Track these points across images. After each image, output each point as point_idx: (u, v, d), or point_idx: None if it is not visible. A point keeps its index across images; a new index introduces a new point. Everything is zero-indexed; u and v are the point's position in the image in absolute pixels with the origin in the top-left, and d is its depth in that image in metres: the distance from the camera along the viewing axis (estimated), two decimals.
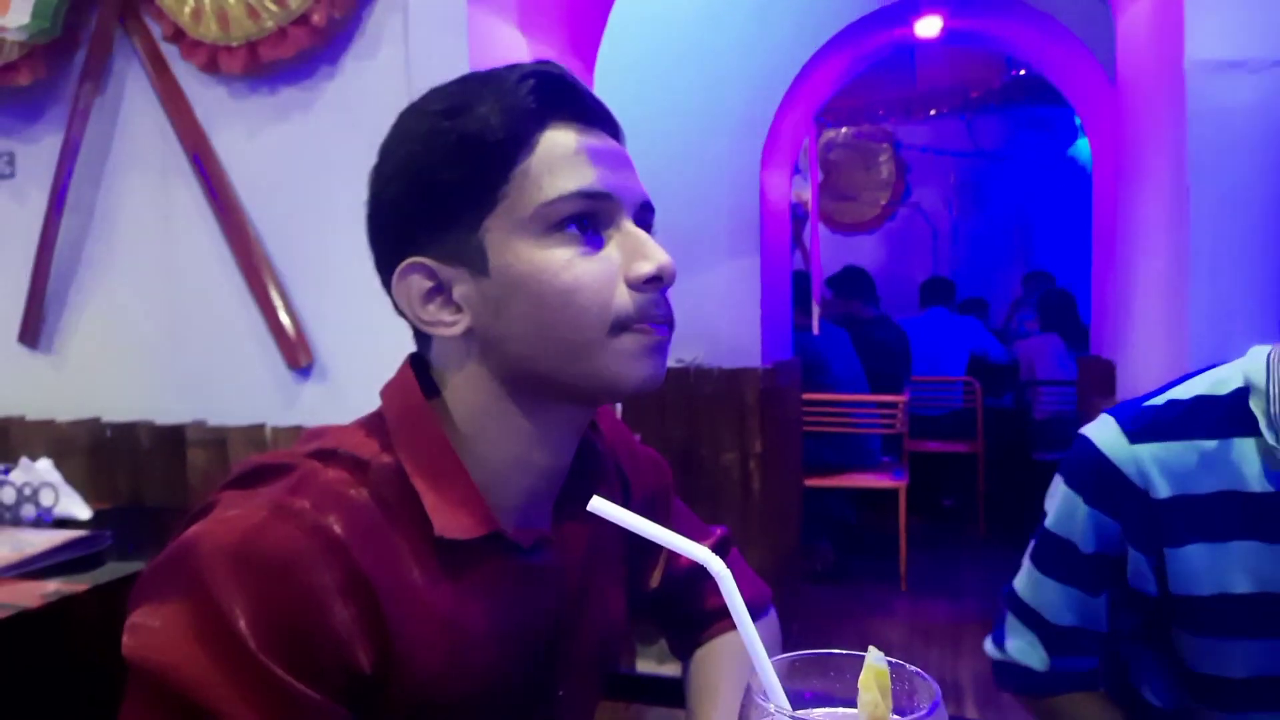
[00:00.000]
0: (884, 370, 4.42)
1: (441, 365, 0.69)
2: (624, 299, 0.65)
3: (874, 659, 0.42)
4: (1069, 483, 0.93)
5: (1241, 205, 1.44)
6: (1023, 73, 5.68)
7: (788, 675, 0.48)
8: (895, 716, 0.44)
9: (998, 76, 5.93)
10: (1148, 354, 1.76)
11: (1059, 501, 0.95)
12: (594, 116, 0.68)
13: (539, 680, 0.71)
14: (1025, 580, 1.00)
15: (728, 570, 0.50)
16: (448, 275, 0.66)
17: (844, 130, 6.83)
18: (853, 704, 0.44)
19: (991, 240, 7.25)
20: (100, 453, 2.01)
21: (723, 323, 3.22)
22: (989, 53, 5.27)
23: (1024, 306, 6.11)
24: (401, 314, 0.69)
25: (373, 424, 0.69)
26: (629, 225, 0.67)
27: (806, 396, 3.91)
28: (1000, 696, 2.96)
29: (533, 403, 0.67)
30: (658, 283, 0.66)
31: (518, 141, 0.64)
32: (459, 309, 0.66)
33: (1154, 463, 0.85)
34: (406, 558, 0.63)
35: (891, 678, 0.43)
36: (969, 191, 7.30)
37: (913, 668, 0.43)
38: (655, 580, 0.89)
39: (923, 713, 0.44)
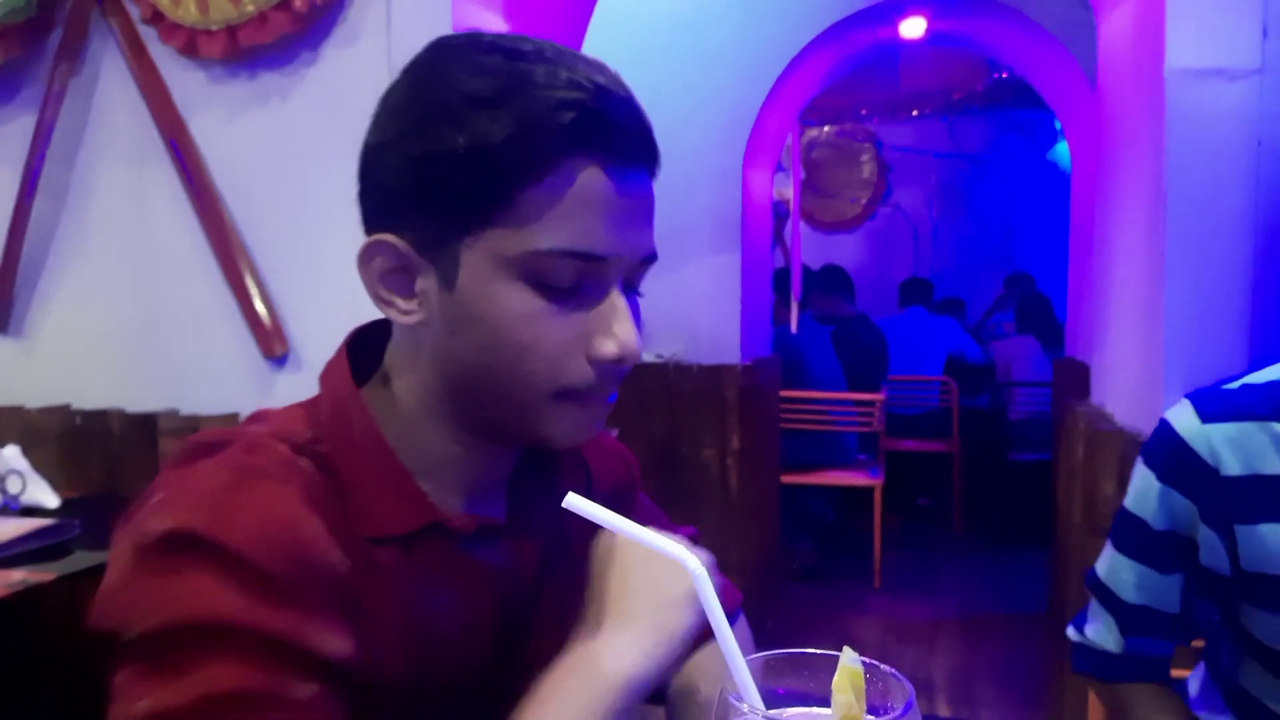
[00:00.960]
0: (862, 369, 4.44)
1: (395, 348, 0.67)
2: (580, 370, 0.61)
3: (848, 660, 0.42)
4: (1146, 462, 0.97)
5: (1218, 212, 1.45)
6: (1005, 76, 5.71)
7: (762, 674, 0.48)
8: (869, 717, 0.44)
9: (980, 79, 5.97)
10: (1123, 357, 1.78)
11: (1135, 480, 0.98)
12: (632, 152, 0.61)
13: (496, 674, 0.69)
14: (1103, 560, 1.04)
15: (704, 569, 0.49)
16: (415, 264, 0.61)
17: (827, 129, 6.85)
18: (827, 703, 0.44)
19: (971, 242, 7.30)
20: (70, 440, 1.98)
21: (703, 319, 3.22)
22: (972, 55, 5.29)
23: (1002, 308, 6.16)
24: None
25: (310, 409, 0.66)
26: (614, 292, 0.61)
27: (785, 394, 3.92)
28: (973, 693, 2.99)
29: (476, 416, 0.64)
30: (617, 364, 0.61)
31: (528, 172, 0.58)
32: (417, 302, 0.62)
33: (1225, 442, 0.89)
34: (344, 550, 0.59)
35: (865, 678, 0.43)
36: (950, 193, 7.34)
37: (886, 668, 0.43)
38: None
39: (897, 713, 0.44)
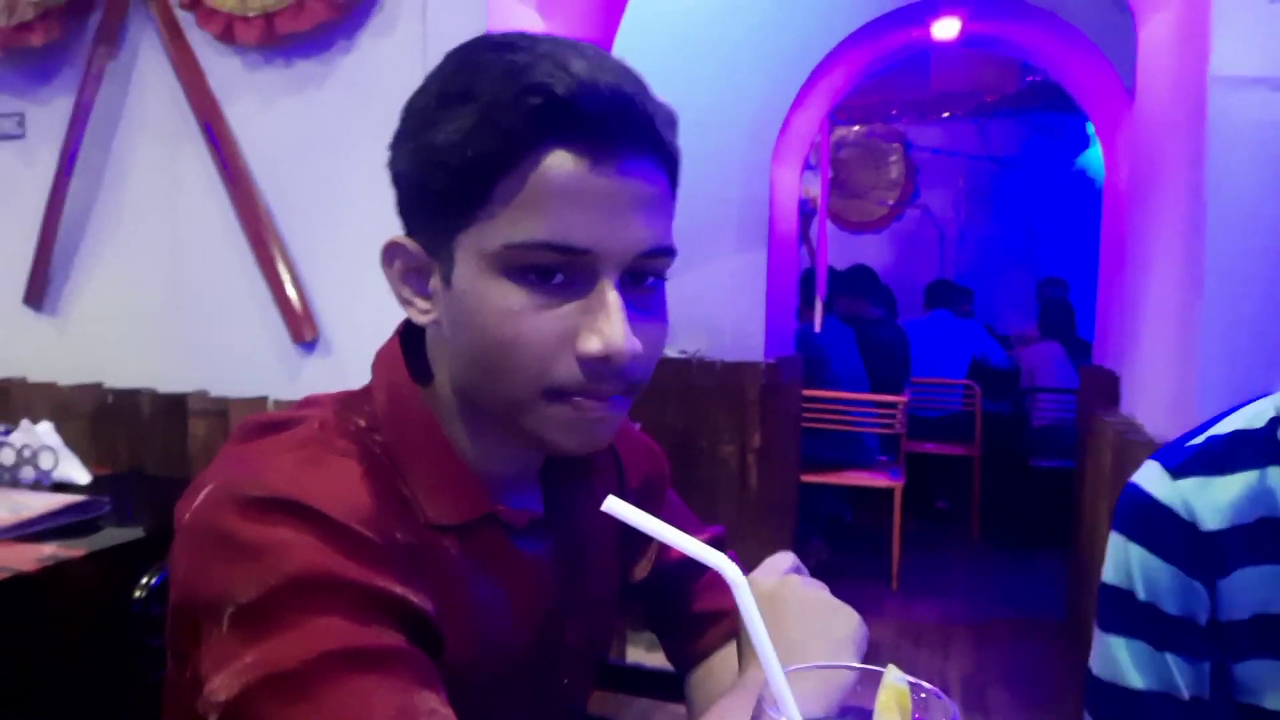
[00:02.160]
0: (884, 370, 4.41)
1: (430, 345, 0.68)
2: (567, 368, 0.59)
3: (894, 678, 0.42)
4: (1118, 528, 0.92)
5: (1259, 224, 1.43)
6: (1038, 79, 5.65)
7: (795, 685, 0.47)
8: None
9: (1013, 82, 5.90)
10: (1155, 368, 1.76)
11: (1110, 551, 0.93)
12: (617, 139, 0.58)
13: (540, 667, 0.70)
14: (1095, 653, 0.94)
15: (743, 578, 0.49)
16: (425, 264, 0.63)
17: (856, 128, 6.80)
18: (864, 716, 0.44)
19: (998, 245, 7.24)
20: (101, 418, 2.00)
21: (727, 316, 3.21)
22: (1005, 57, 5.24)
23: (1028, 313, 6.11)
24: None
25: (363, 398, 0.67)
26: (605, 286, 0.58)
27: (806, 393, 3.91)
28: (987, 699, 2.98)
29: (487, 414, 0.64)
30: (605, 362, 0.58)
31: (499, 163, 0.57)
32: (431, 302, 0.63)
33: (1198, 497, 0.86)
34: (410, 546, 0.60)
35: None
36: (977, 195, 7.28)
37: (929, 686, 0.43)
38: (643, 571, 0.87)
39: None
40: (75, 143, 1.99)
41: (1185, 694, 0.89)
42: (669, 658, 0.90)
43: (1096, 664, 0.94)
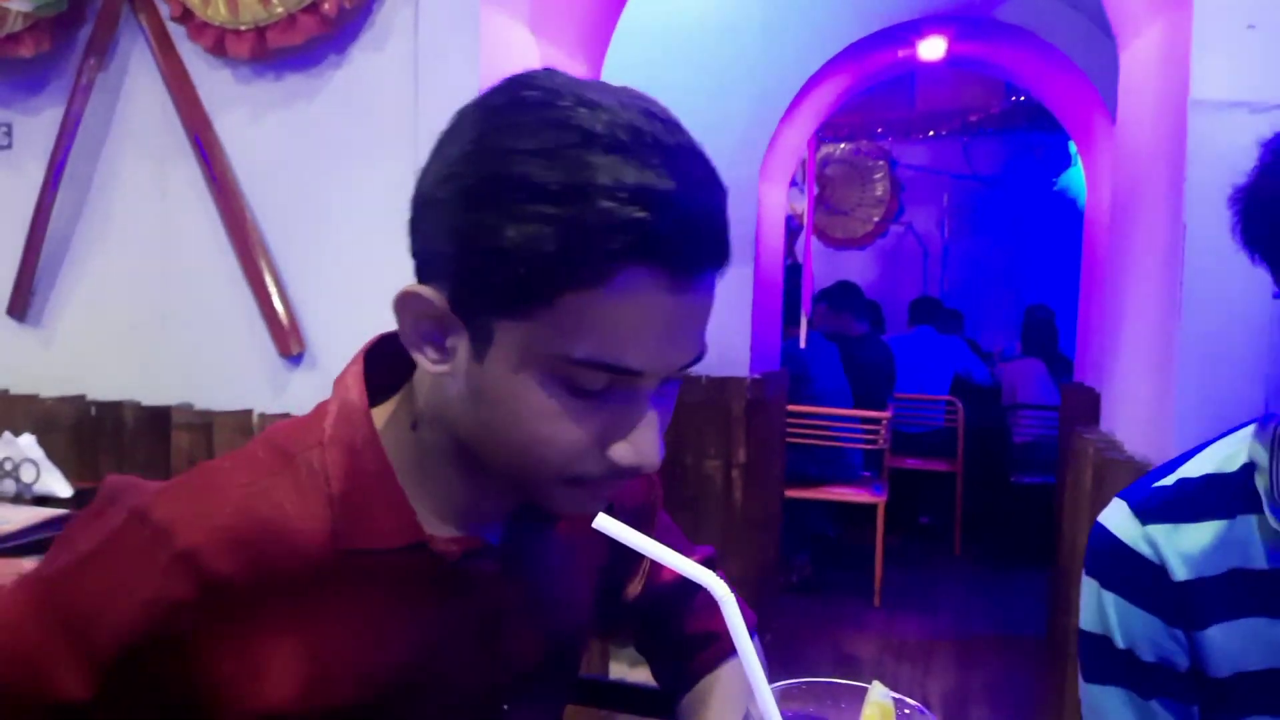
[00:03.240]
0: (868, 386, 4.44)
1: (422, 381, 0.65)
2: (593, 464, 0.59)
3: (879, 695, 0.42)
4: (1091, 572, 0.89)
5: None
6: (1022, 99, 5.72)
7: (783, 701, 0.48)
8: None
9: (997, 102, 5.98)
10: (1135, 387, 1.78)
11: (1085, 595, 0.90)
12: (697, 260, 0.55)
13: (478, 693, 0.69)
14: (1083, 707, 0.92)
15: (730, 595, 0.50)
16: (450, 322, 0.59)
17: (842, 146, 6.86)
18: None
19: (981, 263, 7.30)
20: (84, 430, 1.99)
21: (713, 331, 3.18)
22: (990, 78, 5.30)
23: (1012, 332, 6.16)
24: None
25: (320, 415, 0.66)
26: (645, 400, 0.58)
27: (791, 408, 3.93)
28: (969, 715, 2.98)
29: (486, 473, 0.64)
30: (635, 471, 0.59)
31: (577, 278, 0.53)
32: (447, 356, 0.60)
33: (1168, 545, 0.84)
34: (316, 574, 0.60)
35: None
36: (961, 213, 7.35)
37: (913, 702, 0.44)
38: (635, 589, 0.87)
39: None
40: (63, 154, 1.98)
41: None
42: (658, 679, 0.90)
43: (1085, 715, 0.91)
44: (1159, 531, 0.85)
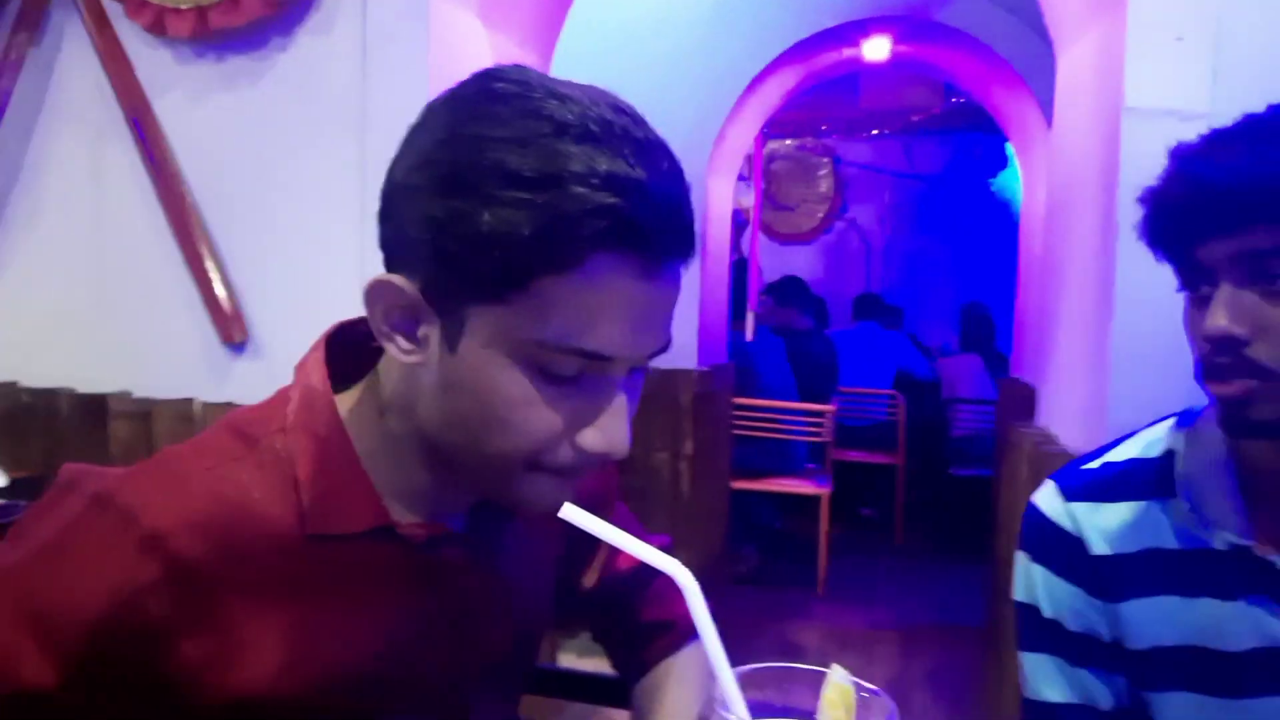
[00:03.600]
0: (813, 380, 4.50)
1: (390, 370, 0.65)
2: (562, 453, 0.59)
3: (839, 677, 0.44)
4: (1022, 546, 0.95)
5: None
6: (962, 101, 5.85)
7: (744, 686, 0.49)
8: None
9: (938, 103, 6.10)
10: (1069, 383, 1.84)
11: (1017, 569, 0.96)
12: (666, 250, 0.57)
13: (445, 678, 0.69)
14: (1022, 676, 0.96)
15: (695, 583, 0.51)
16: (422, 311, 0.59)
17: (787, 142, 6.93)
18: (808, 716, 0.46)
19: (922, 259, 7.45)
20: (16, 419, 1.93)
21: None
22: (932, 79, 5.41)
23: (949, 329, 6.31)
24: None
25: (282, 400, 0.66)
26: (614, 386, 0.59)
27: (737, 401, 3.96)
28: (911, 702, 3.05)
29: (451, 464, 0.64)
30: (604, 457, 0.60)
31: (551, 262, 0.54)
32: (418, 346, 0.60)
33: (1088, 522, 0.90)
34: (281, 559, 0.60)
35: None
36: (902, 211, 7.49)
37: (870, 686, 0.45)
38: (591, 580, 0.87)
39: None
40: None
41: (1105, 705, 0.91)
42: (615, 667, 0.91)
43: (1024, 684, 0.96)
44: (1080, 509, 0.91)
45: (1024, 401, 2.43)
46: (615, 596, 0.88)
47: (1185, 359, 1.55)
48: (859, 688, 0.45)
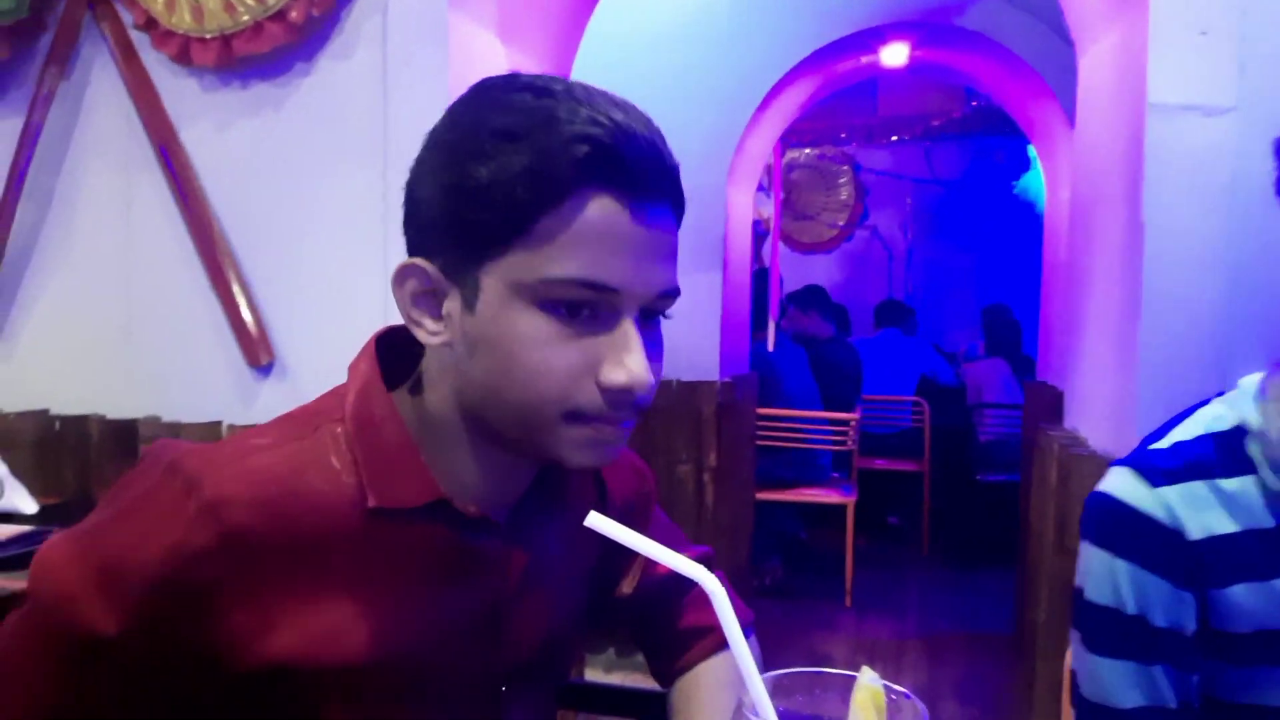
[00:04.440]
0: (836, 388, 4.48)
1: (429, 363, 0.70)
2: (589, 394, 0.62)
3: (868, 679, 0.44)
4: (1101, 543, 0.89)
5: (1194, 244, 1.50)
6: (982, 104, 5.82)
7: (774, 692, 0.49)
8: None
9: (958, 107, 6.07)
10: (1097, 384, 1.82)
11: (1092, 566, 0.90)
12: (649, 188, 0.62)
13: (478, 671, 0.71)
14: (1082, 676, 0.92)
15: (722, 588, 0.51)
16: (444, 288, 0.65)
17: (806, 151, 6.93)
18: None
19: (945, 265, 7.41)
20: (48, 446, 1.96)
21: (683, 335, 3.24)
22: (951, 84, 5.39)
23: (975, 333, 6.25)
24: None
25: (340, 394, 0.70)
26: (627, 322, 0.63)
27: (761, 411, 3.95)
28: (941, 713, 3.01)
29: (495, 434, 0.67)
30: (626, 392, 0.62)
31: (543, 202, 0.60)
32: (444, 324, 0.66)
33: (1180, 504, 0.85)
34: (334, 538, 0.63)
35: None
36: (924, 217, 7.45)
37: (899, 688, 0.45)
38: (629, 587, 0.88)
39: None
40: (24, 165, 1.95)
41: (1173, 704, 0.87)
42: (654, 674, 0.92)
43: (1086, 685, 0.92)
44: (1171, 494, 0.85)
45: (1051, 405, 2.41)
46: (653, 602, 0.89)
47: (1214, 356, 1.54)
48: (889, 690, 0.45)
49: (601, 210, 0.60)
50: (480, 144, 0.61)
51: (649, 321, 0.66)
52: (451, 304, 0.65)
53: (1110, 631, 0.89)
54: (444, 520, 0.67)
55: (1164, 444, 0.90)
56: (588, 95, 0.62)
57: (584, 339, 0.62)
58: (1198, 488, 0.86)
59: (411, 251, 0.67)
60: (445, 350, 0.66)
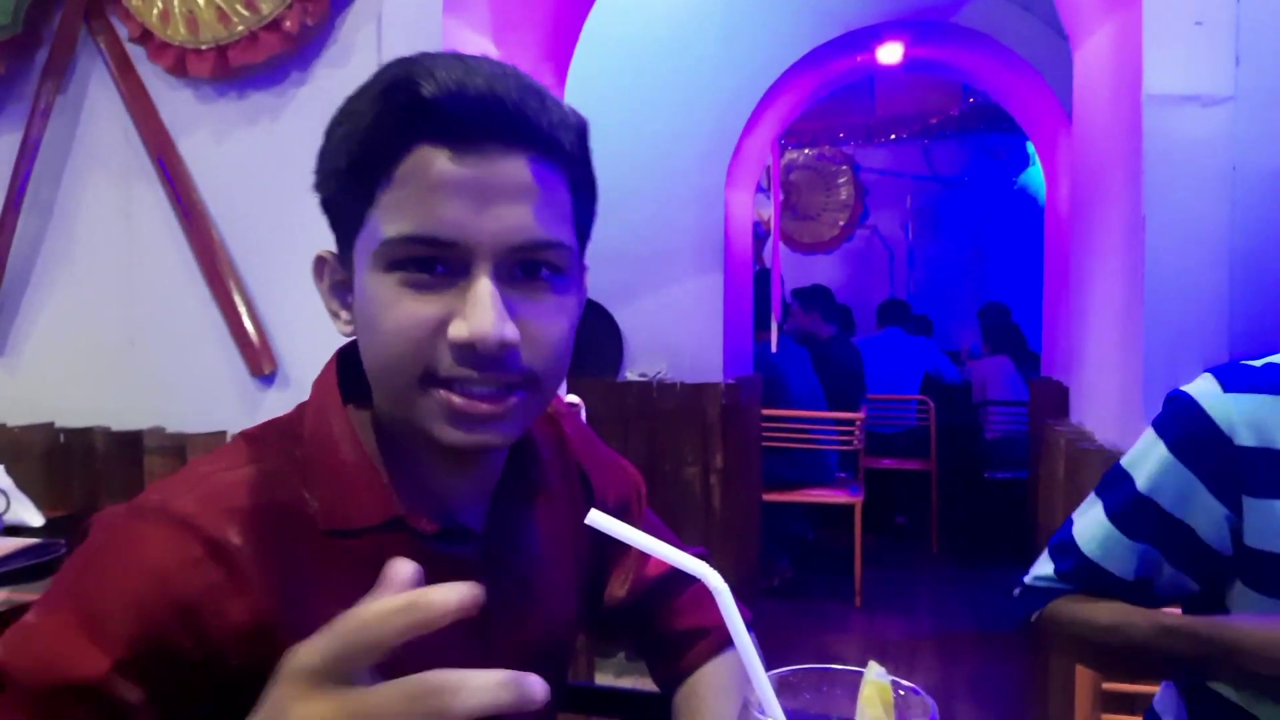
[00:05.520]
0: (840, 388, 4.47)
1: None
2: (442, 354, 0.60)
3: (875, 675, 0.43)
4: (1156, 428, 0.95)
5: (1195, 236, 1.49)
6: (979, 101, 5.82)
7: (780, 689, 0.49)
8: None
9: (955, 104, 6.07)
10: (1102, 378, 1.82)
11: (1141, 443, 0.96)
12: (483, 134, 0.60)
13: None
14: (1078, 512, 1.01)
15: (724, 585, 0.50)
16: (345, 276, 0.66)
17: (805, 152, 6.93)
18: (846, 718, 0.45)
19: (946, 263, 7.40)
20: (54, 458, 1.96)
21: (686, 338, 3.24)
22: (948, 81, 5.39)
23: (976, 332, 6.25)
24: None
25: (299, 413, 0.69)
26: (477, 274, 0.60)
27: (765, 412, 3.94)
28: (954, 711, 3.00)
29: (389, 419, 0.67)
30: (472, 349, 0.59)
31: (372, 164, 0.60)
32: (351, 311, 0.66)
33: (1243, 412, 0.89)
34: (301, 553, 0.62)
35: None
36: (924, 215, 7.45)
37: (907, 684, 0.44)
38: (621, 587, 0.87)
39: None
40: (23, 179, 1.95)
41: (1130, 578, 0.95)
42: (655, 679, 0.90)
43: (1075, 522, 1.00)
44: (1239, 400, 0.89)
45: (1057, 400, 2.40)
46: (647, 606, 0.87)
47: (1219, 344, 1.53)
48: (897, 686, 0.44)
49: (425, 161, 0.59)
50: (330, 128, 0.63)
51: (531, 277, 0.62)
52: (351, 292, 0.66)
53: (1116, 493, 0.96)
54: (410, 533, 0.65)
55: (1257, 362, 0.94)
56: (436, 60, 0.60)
57: (436, 297, 0.60)
58: (1268, 400, 0.89)
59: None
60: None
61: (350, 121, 0.61)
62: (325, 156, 0.64)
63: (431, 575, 0.65)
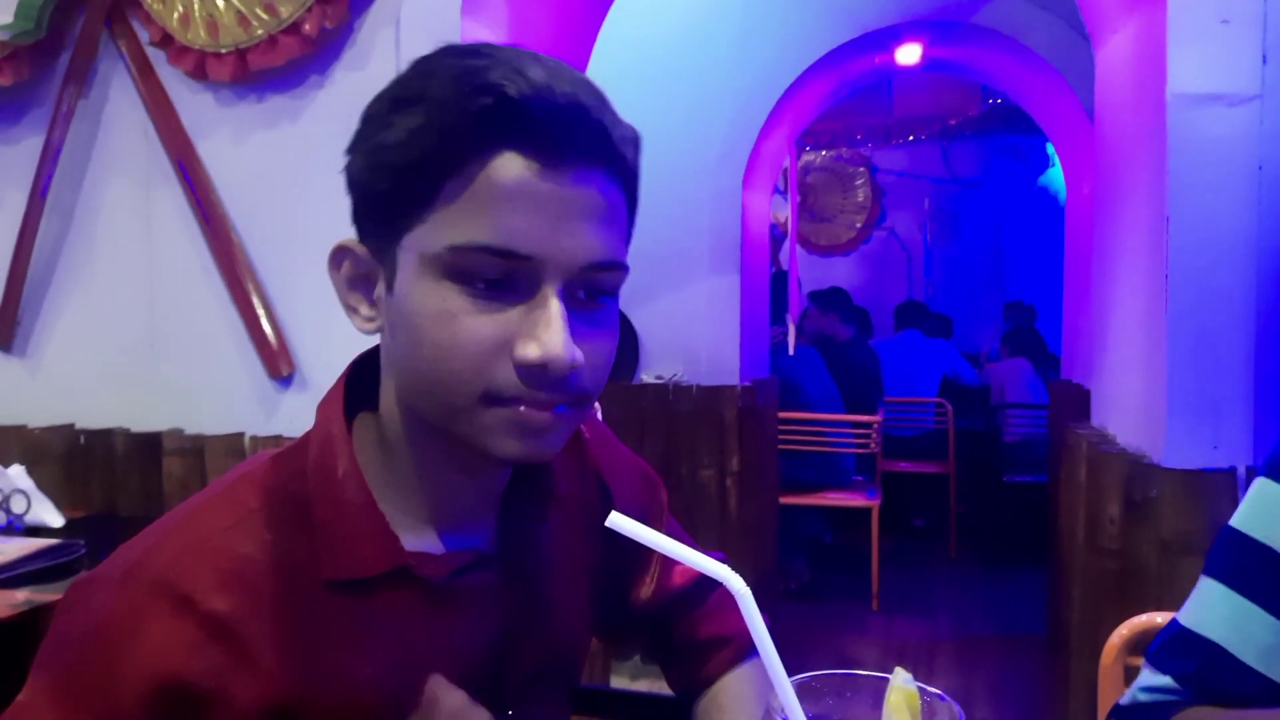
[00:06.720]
0: (857, 390, 4.45)
1: (382, 366, 0.65)
2: (504, 373, 0.57)
3: (902, 680, 0.42)
4: (1269, 473, 0.79)
5: (1220, 236, 1.47)
6: (999, 101, 5.78)
7: (803, 695, 0.48)
8: None
9: (974, 105, 6.04)
10: (1125, 380, 1.79)
11: (1253, 494, 0.81)
12: (566, 146, 0.56)
13: (487, 691, 0.68)
14: (1188, 602, 0.82)
15: (748, 590, 0.49)
16: (372, 271, 0.62)
17: (822, 153, 6.90)
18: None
19: (964, 265, 7.35)
20: (74, 460, 1.97)
21: (702, 340, 3.23)
22: (966, 81, 5.36)
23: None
24: None
25: (303, 444, 0.66)
26: (548, 293, 0.57)
27: (782, 415, 3.93)
28: (973, 715, 2.98)
29: (426, 426, 0.62)
30: (542, 370, 0.57)
31: (448, 165, 0.56)
32: (376, 309, 0.62)
33: None
34: (307, 610, 0.60)
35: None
36: (943, 217, 7.40)
37: (933, 689, 0.44)
38: (646, 593, 0.85)
39: None
40: (45, 182, 1.97)
41: (1251, 661, 0.76)
42: (672, 686, 0.89)
43: (1186, 613, 0.82)
44: None
45: (1077, 403, 2.38)
46: (670, 613, 0.86)
47: (1243, 348, 1.51)
48: (923, 692, 0.43)
49: (508, 169, 0.55)
50: (389, 111, 0.58)
51: (590, 299, 0.60)
52: (380, 288, 0.61)
53: (1239, 560, 0.79)
54: (415, 580, 0.63)
55: None
56: (515, 56, 0.56)
57: (500, 313, 0.57)
58: None
59: (357, 238, 0.64)
60: (385, 341, 0.63)
61: (420, 113, 0.56)
62: (382, 146, 0.58)
63: (439, 607, 0.64)
